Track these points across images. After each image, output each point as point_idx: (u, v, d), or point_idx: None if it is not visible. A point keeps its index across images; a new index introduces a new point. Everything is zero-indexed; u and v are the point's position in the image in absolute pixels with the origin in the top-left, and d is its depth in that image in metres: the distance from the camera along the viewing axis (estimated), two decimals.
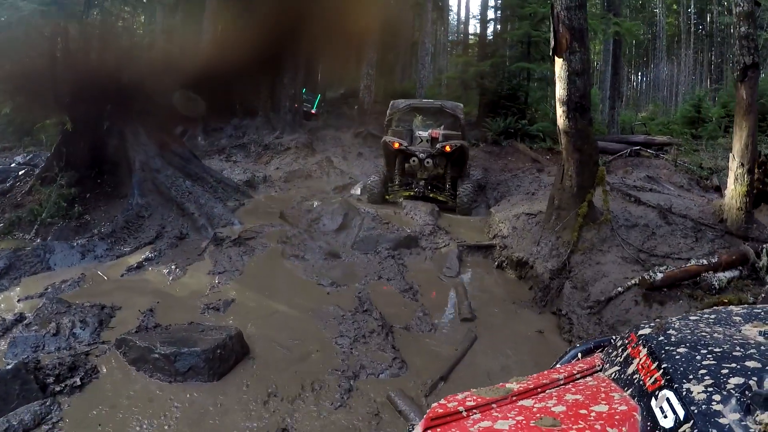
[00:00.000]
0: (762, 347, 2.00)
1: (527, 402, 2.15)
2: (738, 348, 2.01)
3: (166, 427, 5.08)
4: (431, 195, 13.82)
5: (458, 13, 55.79)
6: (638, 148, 19.46)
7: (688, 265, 7.56)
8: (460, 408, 2.07)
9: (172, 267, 8.95)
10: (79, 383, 5.58)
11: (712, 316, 2.53)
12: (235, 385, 5.81)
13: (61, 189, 10.57)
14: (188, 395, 5.56)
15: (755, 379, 1.73)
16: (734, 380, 1.76)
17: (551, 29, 9.58)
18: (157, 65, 12.61)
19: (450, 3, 50.39)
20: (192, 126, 19.38)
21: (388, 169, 14.56)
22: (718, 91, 31.99)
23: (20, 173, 12.79)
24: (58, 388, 5.45)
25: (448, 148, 13.48)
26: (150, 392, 5.58)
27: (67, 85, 10.91)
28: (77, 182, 10.94)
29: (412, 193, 13.80)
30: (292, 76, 22.71)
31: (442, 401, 2.14)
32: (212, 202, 11.52)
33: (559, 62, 9.49)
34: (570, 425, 1.84)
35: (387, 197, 13.98)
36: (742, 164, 8.79)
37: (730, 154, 9.13)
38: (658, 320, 2.57)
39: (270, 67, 18.25)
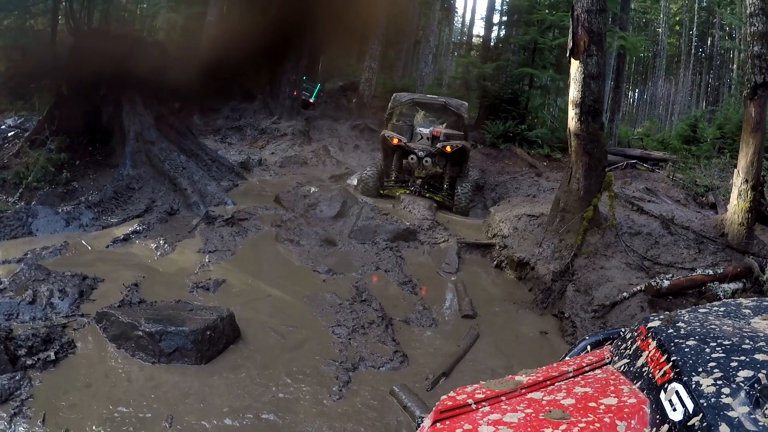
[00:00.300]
0: None
1: (536, 395, 2.14)
2: (747, 341, 2.00)
3: (146, 412, 4.68)
4: (427, 195, 13.29)
5: (463, 16, 55.83)
6: (635, 161, 19.47)
7: (695, 274, 7.70)
8: (470, 401, 2.05)
9: (161, 242, 8.63)
10: (53, 358, 5.18)
11: (722, 309, 2.54)
12: (225, 370, 5.45)
13: (50, 153, 10.24)
14: (172, 378, 5.18)
15: (765, 372, 1.73)
16: (743, 373, 1.75)
17: (570, 31, 9.51)
18: (160, 37, 12.35)
19: (456, 5, 50.36)
20: (189, 104, 19.05)
21: (384, 163, 14.08)
22: (714, 112, 32.11)
23: (9, 135, 12.40)
24: (30, 362, 5.05)
25: (448, 149, 13.02)
26: (130, 372, 5.20)
27: (67, 47, 10.57)
28: (67, 148, 10.64)
29: (407, 192, 13.29)
30: (294, 63, 22.39)
31: (452, 394, 2.12)
32: (206, 180, 11.20)
33: (575, 64, 9.41)
34: (579, 418, 1.84)
35: (381, 191, 13.47)
36: (747, 180, 8.88)
37: (735, 170, 9.24)
38: (667, 313, 2.56)
39: (272, 51, 18.00)
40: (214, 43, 12.98)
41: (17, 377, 4.77)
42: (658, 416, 1.81)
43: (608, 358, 2.58)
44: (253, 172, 14.56)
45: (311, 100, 24.72)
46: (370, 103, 24.36)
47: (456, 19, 52.23)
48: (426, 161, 13.03)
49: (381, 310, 7.04)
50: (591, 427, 1.76)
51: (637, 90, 60.26)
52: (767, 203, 10.57)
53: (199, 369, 5.37)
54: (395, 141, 13.18)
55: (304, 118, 22.22)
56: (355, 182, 14.31)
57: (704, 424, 1.56)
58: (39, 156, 10.09)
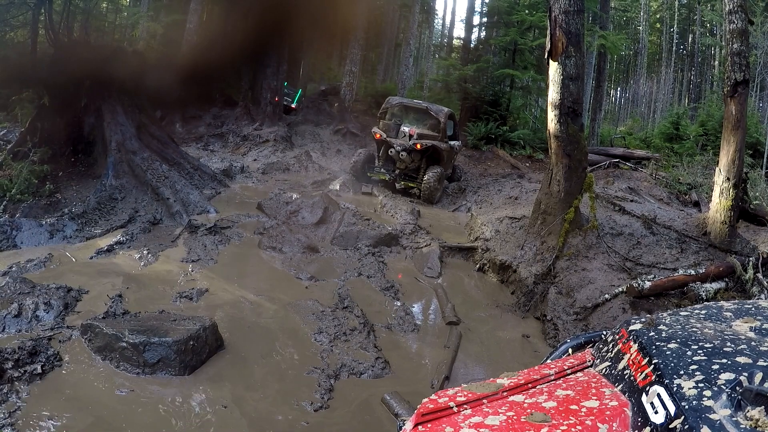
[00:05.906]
0: (752, 343, 2.01)
1: (518, 397, 2.16)
2: (729, 344, 2.01)
3: (133, 423, 4.75)
4: (402, 183, 15.14)
5: (444, 18, 55.98)
6: (617, 160, 19.58)
7: (676, 274, 7.67)
8: (451, 403, 2.06)
9: (144, 252, 8.62)
10: (39, 370, 5.22)
11: (703, 312, 2.57)
12: (208, 381, 5.51)
13: (33, 165, 10.18)
14: (156, 389, 5.24)
15: (746, 374, 1.74)
16: (725, 376, 1.77)
17: (548, 33, 9.55)
18: (140, 46, 12.32)
19: (436, 7, 50.52)
20: (171, 112, 19.03)
21: (377, 152, 15.86)
22: (697, 109, 32.29)
23: None
24: (16, 374, 5.09)
25: (418, 146, 14.70)
26: (115, 384, 5.25)
27: (47, 58, 10.55)
28: (50, 159, 10.59)
29: (386, 178, 15.26)
30: (274, 68, 22.36)
31: (433, 397, 2.14)
32: (188, 189, 11.19)
33: (553, 66, 9.43)
34: (560, 420, 1.85)
35: (369, 174, 15.50)
36: (728, 179, 8.90)
37: (716, 169, 9.25)
38: (648, 315, 2.57)
39: (253, 58, 18.07)
40: (195, 50, 13.00)
41: (4, 390, 4.83)
42: (639, 419, 1.83)
43: (590, 360, 2.60)
44: (235, 180, 14.54)
45: (293, 106, 24.68)
46: (352, 107, 24.30)
47: (436, 21, 52.49)
48: (402, 154, 14.73)
49: (363, 317, 7.10)
50: (573, 429, 1.78)
51: (619, 88, 60.46)
52: (750, 200, 10.67)
53: (182, 380, 5.42)
54: (378, 136, 15.27)
55: (285, 124, 22.18)
56: (337, 187, 14.54)
57: (686, 426, 1.58)
58: (22, 168, 10.04)
